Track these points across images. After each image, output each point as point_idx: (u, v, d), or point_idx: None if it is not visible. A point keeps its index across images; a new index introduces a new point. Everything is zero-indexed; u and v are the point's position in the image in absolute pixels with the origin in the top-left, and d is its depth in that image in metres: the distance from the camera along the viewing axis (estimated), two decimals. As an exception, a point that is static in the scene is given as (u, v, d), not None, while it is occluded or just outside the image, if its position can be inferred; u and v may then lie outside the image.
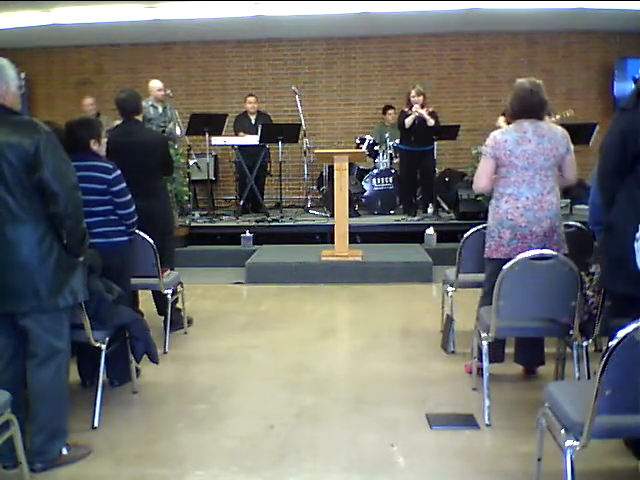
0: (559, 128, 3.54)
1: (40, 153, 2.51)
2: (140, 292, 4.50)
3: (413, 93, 7.68)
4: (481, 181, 3.54)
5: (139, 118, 4.46)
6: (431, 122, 7.61)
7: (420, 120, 7.62)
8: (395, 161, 8.44)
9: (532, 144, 3.40)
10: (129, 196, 3.57)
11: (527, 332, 3.41)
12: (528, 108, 3.44)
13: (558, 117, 7.52)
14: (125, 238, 3.65)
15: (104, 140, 3.56)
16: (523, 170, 3.41)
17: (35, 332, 2.66)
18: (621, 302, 2.68)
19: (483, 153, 3.53)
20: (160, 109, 7.50)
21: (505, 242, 3.47)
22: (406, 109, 7.78)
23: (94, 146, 3.48)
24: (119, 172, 3.49)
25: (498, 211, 3.50)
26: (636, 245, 1.97)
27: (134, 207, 3.62)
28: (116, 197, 3.51)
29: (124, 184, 3.52)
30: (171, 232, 4.92)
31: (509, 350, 3.68)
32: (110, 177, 3.46)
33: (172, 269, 4.59)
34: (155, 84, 7.33)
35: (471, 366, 3.70)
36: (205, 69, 9.92)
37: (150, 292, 4.55)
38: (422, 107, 7.65)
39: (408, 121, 7.63)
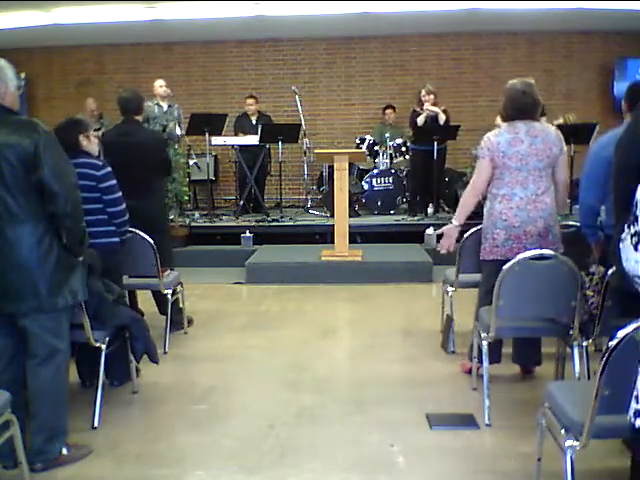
0: (552, 128, 3.54)
1: (39, 153, 2.51)
2: (141, 292, 4.51)
3: (423, 92, 7.72)
4: (481, 182, 3.52)
5: (139, 119, 4.45)
6: (442, 118, 7.63)
7: (432, 118, 7.64)
8: (395, 161, 8.44)
9: (525, 145, 3.40)
10: (119, 194, 3.54)
11: (527, 332, 3.41)
12: (521, 109, 3.44)
13: (561, 120, 7.50)
14: (115, 239, 3.62)
15: (93, 136, 3.55)
16: (516, 171, 3.41)
17: (35, 332, 2.66)
18: (631, 302, 2.65)
19: (479, 155, 3.53)
20: (165, 107, 7.55)
21: (500, 243, 3.47)
22: (417, 108, 7.81)
23: (84, 141, 3.47)
24: (109, 169, 3.48)
25: (492, 212, 3.50)
26: (621, 245, 1.96)
27: (124, 206, 3.59)
28: (105, 194, 3.49)
29: (114, 181, 3.50)
30: (167, 231, 4.91)
31: (507, 350, 3.68)
32: (99, 173, 3.45)
33: (172, 269, 4.59)
34: (158, 82, 7.56)
35: (466, 365, 3.72)
36: (205, 69, 9.92)
37: (150, 292, 4.56)
38: (434, 105, 7.69)
39: (420, 119, 7.67)
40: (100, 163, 3.47)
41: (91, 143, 3.53)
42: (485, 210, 3.58)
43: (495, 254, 3.48)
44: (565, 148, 3.51)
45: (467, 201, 3.62)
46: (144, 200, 4.11)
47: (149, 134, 4.84)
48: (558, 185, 3.51)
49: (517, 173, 3.41)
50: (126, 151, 4.09)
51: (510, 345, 3.72)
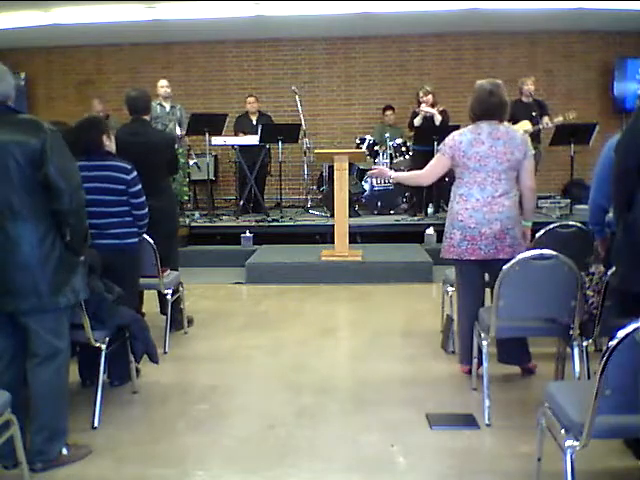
0: (519, 133, 3.56)
1: (46, 151, 2.52)
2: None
3: (421, 94, 7.76)
4: (430, 175, 3.63)
5: (147, 118, 4.46)
6: (438, 119, 7.64)
7: (429, 119, 7.65)
8: (395, 161, 8.44)
9: (485, 146, 3.42)
10: (144, 197, 3.60)
11: (527, 332, 3.41)
12: (488, 109, 3.47)
13: (561, 119, 7.50)
14: (136, 239, 3.67)
15: (112, 136, 3.59)
16: (475, 171, 3.45)
17: (35, 332, 2.66)
18: (630, 302, 2.66)
19: (441, 151, 3.56)
20: (167, 108, 7.56)
21: (455, 243, 3.51)
22: (417, 109, 7.83)
23: (107, 142, 3.50)
24: (136, 173, 3.52)
25: (451, 212, 3.56)
26: None
27: (147, 209, 3.66)
28: (133, 198, 3.54)
29: (140, 185, 3.55)
30: (177, 232, 4.93)
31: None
32: (129, 177, 3.49)
33: (175, 269, 4.59)
34: (160, 82, 7.60)
35: (466, 366, 3.71)
36: (205, 69, 9.91)
37: (155, 292, 4.55)
38: (432, 106, 7.72)
39: (417, 120, 7.72)
40: (129, 166, 3.50)
41: (112, 142, 3.56)
42: (448, 209, 3.65)
43: (452, 253, 3.55)
44: (531, 153, 3.52)
45: (412, 179, 4.02)
46: (156, 200, 4.10)
47: (158, 133, 4.86)
48: (523, 190, 3.53)
49: (475, 174, 3.45)
50: (136, 150, 4.10)
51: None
